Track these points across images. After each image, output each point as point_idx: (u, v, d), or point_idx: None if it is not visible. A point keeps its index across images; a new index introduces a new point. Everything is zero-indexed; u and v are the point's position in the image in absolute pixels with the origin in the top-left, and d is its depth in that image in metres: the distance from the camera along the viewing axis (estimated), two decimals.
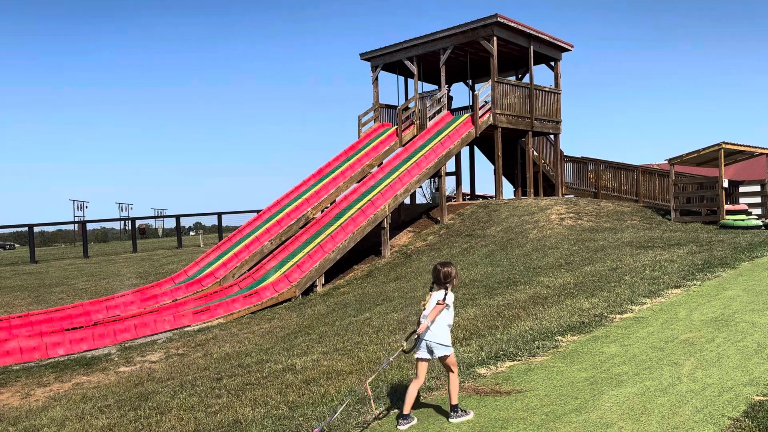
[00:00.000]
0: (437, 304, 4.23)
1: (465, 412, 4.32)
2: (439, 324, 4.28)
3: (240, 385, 6.64)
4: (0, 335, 11.51)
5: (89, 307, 13.62)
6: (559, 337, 6.10)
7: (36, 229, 25.96)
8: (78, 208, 58.67)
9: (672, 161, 16.28)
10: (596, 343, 5.78)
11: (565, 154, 21.93)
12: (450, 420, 4.26)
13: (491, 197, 23.61)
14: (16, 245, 52.44)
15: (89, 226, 35.26)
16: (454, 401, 4.30)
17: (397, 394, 4.94)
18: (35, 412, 7.13)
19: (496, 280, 10.57)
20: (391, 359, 4.59)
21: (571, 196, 21.16)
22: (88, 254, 25.72)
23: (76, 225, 46.52)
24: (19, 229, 37.41)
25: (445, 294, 4.27)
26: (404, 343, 4.37)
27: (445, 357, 4.31)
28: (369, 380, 4.53)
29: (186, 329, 11.99)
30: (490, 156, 23.02)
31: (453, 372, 4.35)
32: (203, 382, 7.06)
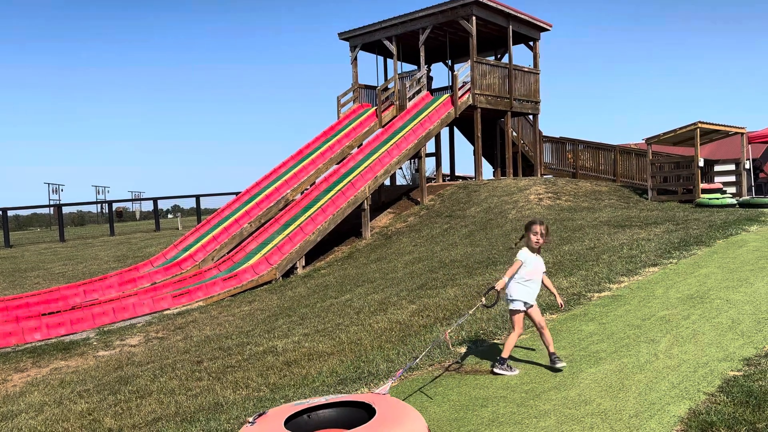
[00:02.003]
0: (515, 261, 4.65)
1: (510, 368, 4.65)
2: (513, 280, 4.65)
3: (221, 367, 6.63)
4: None
5: (66, 291, 13.46)
6: None
7: (10, 213, 25.52)
8: (53, 191, 57.60)
9: (649, 141, 16.42)
10: (575, 322, 5.84)
11: (543, 134, 22.02)
12: (494, 370, 4.66)
13: (471, 178, 23.65)
14: None
15: (65, 210, 34.73)
16: (505, 355, 4.66)
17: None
18: (12, 397, 7.06)
19: (476, 260, 10.63)
20: (470, 312, 5.29)
21: (550, 176, 21.28)
22: (65, 238, 25.38)
23: (52, 208, 45.76)
24: None
25: (533, 253, 4.67)
26: (483, 299, 4.70)
27: (512, 312, 4.69)
28: (449, 331, 5.17)
29: (165, 312, 11.91)
30: (470, 136, 23.03)
31: (514, 330, 4.70)
32: (183, 366, 7.03)
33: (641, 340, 5.05)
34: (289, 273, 14.30)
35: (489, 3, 18.69)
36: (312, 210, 15.76)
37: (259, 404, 4.75)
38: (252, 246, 15.09)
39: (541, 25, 21.12)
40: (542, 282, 4.73)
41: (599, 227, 11.73)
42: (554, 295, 4.82)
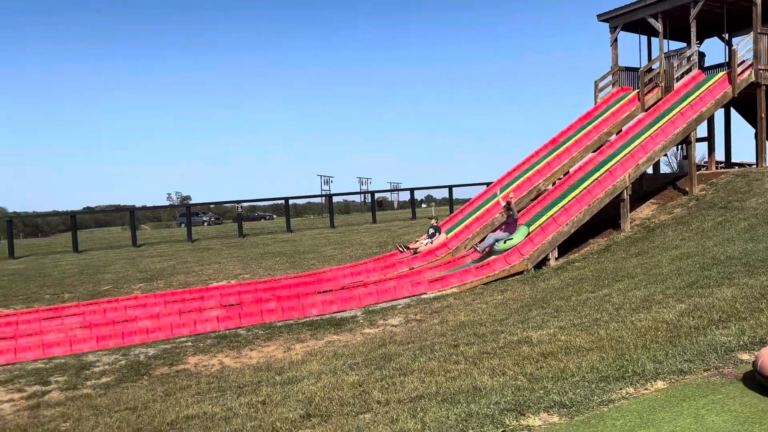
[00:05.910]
0: None
1: None
2: None
3: (476, 353, 6.77)
4: (264, 295, 13.15)
5: (337, 272, 14.94)
6: None
7: (290, 202, 29.05)
8: (324, 182, 64.22)
9: None
10: None
11: None
12: None
13: (751, 165, 20.89)
14: (275, 216, 59.38)
15: (333, 199, 38.56)
16: None
17: None
18: (296, 364, 8.02)
19: (758, 257, 9.37)
20: None
21: None
22: (334, 224, 28.10)
23: (323, 198, 51.11)
24: (276, 202, 42.26)
25: None
26: None
27: None
28: None
29: (422, 296, 12.55)
30: (751, 119, 20.32)
31: None
32: (441, 348, 7.33)
33: None
34: (541, 264, 14.08)
35: None
36: (566, 200, 15.30)
37: (517, 392, 4.77)
38: None
39: None
40: None
41: None
42: None
